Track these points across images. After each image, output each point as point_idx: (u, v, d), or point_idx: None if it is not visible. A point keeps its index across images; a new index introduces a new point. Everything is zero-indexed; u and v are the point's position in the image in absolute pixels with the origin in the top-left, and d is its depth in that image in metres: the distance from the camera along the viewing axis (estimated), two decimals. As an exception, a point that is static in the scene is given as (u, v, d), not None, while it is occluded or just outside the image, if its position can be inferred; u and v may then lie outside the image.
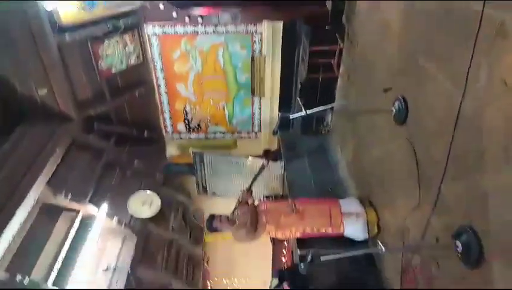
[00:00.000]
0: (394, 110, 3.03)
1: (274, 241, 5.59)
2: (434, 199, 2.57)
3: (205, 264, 5.95)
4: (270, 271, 6.09)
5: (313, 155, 5.08)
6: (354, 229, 3.52)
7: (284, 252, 5.94)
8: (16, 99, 4.32)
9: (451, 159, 2.36)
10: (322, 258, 2.34)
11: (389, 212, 3.45)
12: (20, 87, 4.23)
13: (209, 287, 6.32)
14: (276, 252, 6.12)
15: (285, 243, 5.73)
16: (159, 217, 5.08)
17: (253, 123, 5.94)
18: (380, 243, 2.19)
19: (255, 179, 3.84)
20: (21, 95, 4.30)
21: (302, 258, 2.45)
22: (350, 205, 3.69)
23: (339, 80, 4.65)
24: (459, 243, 2.22)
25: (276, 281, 3.88)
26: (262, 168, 3.79)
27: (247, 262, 6.84)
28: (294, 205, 3.58)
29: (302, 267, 2.46)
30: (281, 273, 4.06)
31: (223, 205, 5.04)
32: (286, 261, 5.82)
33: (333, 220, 3.50)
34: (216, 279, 6.97)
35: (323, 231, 3.51)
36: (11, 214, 3.33)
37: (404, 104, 2.92)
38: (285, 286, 3.15)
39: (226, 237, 6.47)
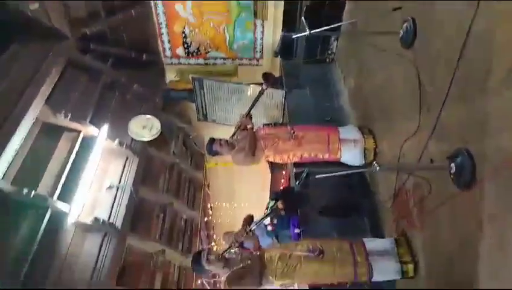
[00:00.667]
0: (402, 32, 2.91)
1: (273, 169, 5.73)
2: (433, 124, 2.57)
3: (206, 188, 6.17)
4: (268, 196, 6.35)
5: (315, 84, 4.99)
6: (351, 156, 3.57)
7: (282, 180, 6.12)
8: (7, 14, 4.13)
9: (455, 82, 2.32)
10: (317, 176, 2.40)
11: (387, 139, 3.48)
12: (10, 2, 4.01)
13: (210, 210, 6.66)
14: (274, 179, 6.32)
15: (283, 171, 5.87)
16: (160, 142, 5.14)
17: (254, 49, 5.74)
18: (375, 162, 2.22)
19: (254, 103, 3.81)
20: (12, 10, 4.10)
21: (298, 175, 2.51)
22: (349, 132, 3.71)
23: (346, 3, 4.42)
24: (453, 165, 2.27)
25: (272, 203, 4.04)
26: (262, 92, 3.72)
27: (246, 188, 7.11)
28: (293, 131, 3.60)
29: (297, 184, 2.54)
30: (276, 195, 4.21)
31: (222, 132, 5.07)
32: (284, 187, 6.03)
33: (331, 146, 3.55)
34: (216, 203, 7.31)
35: (321, 156, 3.57)
36: (12, 130, 3.36)
37: (413, 25, 2.80)
38: (280, 205, 3.26)
39: (227, 163, 6.66)
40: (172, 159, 5.29)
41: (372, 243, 3.01)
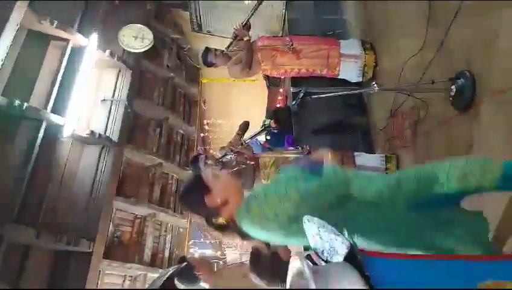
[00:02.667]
0: None
1: (269, 84, 5.62)
2: (439, 44, 2.45)
3: (202, 104, 6.12)
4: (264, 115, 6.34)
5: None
6: (350, 72, 3.48)
7: (280, 97, 6.05)
8: None
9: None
10: (313, 96, 2.36)
11: (389, 56, 3.35)
12: None
13: (206, 126, 6.69)
14: (271, 97, 6.24)
15: (280, 89, 5.77)
16: (153, 54, 4.94)
17: (254, -49, 5.19)
18: (374, 82, 2.15)
19: (252, 12, 3.58)
20: None
21: (294, 95, 2.46)
22: (350, 46, 3.55)
23: None
24: (454, 87, 2.22)
25: (267, 121, 4.05)
26: (260, 1, 3.47)
27: (242, 104, 7.06)
28: (291, 43, 3.44)
29: (293, 104, 2.51)
30: (272, 113, 4.21)
31: (218, 45, 4.85)
32: (280, 106, 5.98)
33: (330, 60, 3.43)
34: (212, 119, 7.33)
35: (319, 72, 3.47)
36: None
37: None
38: (272, 124, 3.28)
39: (222, 79, 6.51)
40: (166, 73, 5.14)
41: (362, 158, 3.10)
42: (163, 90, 5.00)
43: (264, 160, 3.09)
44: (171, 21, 5.59)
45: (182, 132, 5.23)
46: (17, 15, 3.40)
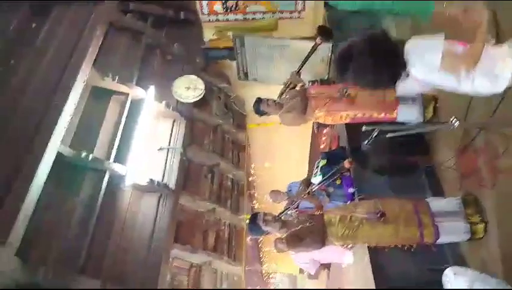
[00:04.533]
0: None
1: (318, 128, 5.59)
2: None
3: (248, 148, 6.16)
4: (308, 155, 6.26)
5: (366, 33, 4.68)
6: (409, 113, 3.36)
7: (324, 138, 5.98)
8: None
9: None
10: (389, 135, 2.27)
11: (451, 94, 3.24)
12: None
13: (252, 170, 6.68)
14: (315, 139, 6.19)
15: (324, 130, 5.72)
16: (202, 103, 5.10)
17: (296, 0, 5.40)
18: (454, 118, 2.04)
19: (306, 59, 3.63)
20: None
21: (366, 134, 2.38)
22: (406, 87, 3.47)
23: None
24: (542, 119, 2.07)
25: (323, 162, 3.95)
26: (316, 47, 3.52)
27: (287, 148, 7.04)
28: (345, 90, 3.42)
29: (366, 143, 2.43)
30: (326, 154, 4.11)
31: (264, 91, 4.94)
32: (325, 146, 5.89)
33: (387, 104, 3.34)
34: (257, 163, 7.33)
35: (376, 116, 3.38)
36: (65, 96, 3.39)
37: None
38: (347, 163, 3.16)
39: (268, 123, 6.57)
40: (215, 120, 5.26)
41: (437, 203, 2.88)
42: (213, 137, 5.10)
43: (330, 216, 2.91)
44: (218, 71, 5.81)
45: (231, 177, 5.24)
46: (83, 74, 3.67)
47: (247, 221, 3.14)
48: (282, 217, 3.03)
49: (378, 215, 2.70)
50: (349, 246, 2.97)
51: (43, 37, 3.95)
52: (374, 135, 2.29)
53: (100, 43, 4.04)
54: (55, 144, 3.12)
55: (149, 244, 3.57)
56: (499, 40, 2.33)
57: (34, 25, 4.07)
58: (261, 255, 6.66)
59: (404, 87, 3.40)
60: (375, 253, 3.17)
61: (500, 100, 2.43)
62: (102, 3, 4.29)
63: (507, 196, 2.52)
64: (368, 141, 2.36)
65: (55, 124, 3.17)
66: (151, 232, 3.64)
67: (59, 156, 3.14)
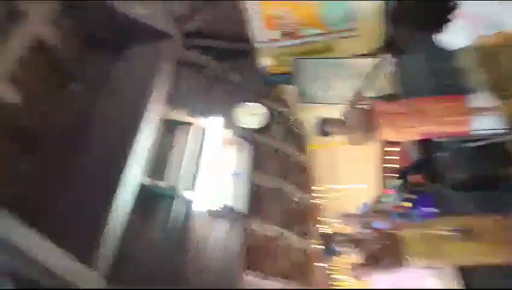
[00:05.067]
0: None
1: (386, 144, 5.40)
2: None
3: (311, 171, 6.09)
4: (381, 174, 6.00)
5: (426, 46, 4.52)
6: (484, 125, 3.13)
7: (397, 157, 5.73)
8: (117, 20, 4.41)
9: None
10: (468, 145, 2.13)
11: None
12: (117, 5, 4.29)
13: (316, 192, 6.56)
14: (384, 156, 5.95)
15: (395, 145, 5.49)
16: (264, 128, 5.18)
17: (350, 18, 5.39)
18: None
19: (372, 77, 3.57)
20: (121, 15, 4.37)
21: (439, 145, 2.25)
22: (479, 99, 3.25)
23: None
24: None
25: (399, 182, 3.78)
26: (384, 63, 3.46)
27: (350, 169, 6.84)
28: (414, 105, 3.29)
29: (447, 155, 2.29)
30: (403, 172, 3.93)
31: (323, 112, 4.91)
32: (396, 163, 5.63)
33: (460, 117, 3.14)
34: (321, 185, 7.18)
35: (447, 130, 3.19)
36: (142, 131, 3.63)
37: None
38: (412, 179, 3.01)
39: (329, 144, 6.48)
40: (277, 144, 5.30)
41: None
42: (276, 160, 5.12)
43: (409, 233, 2.75)
44: (277, 96, 5.91)
45: (297, 199, 5.18)
46: (156, 109, 3.93)
47: (320, 243, 3.07)
48: (357, 237, 2.92)
49: (461, 230, 2.50)
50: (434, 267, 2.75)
51: (118, 77, 4.29)
52: (455, 146, 2.15)
53: (169, 79, 4.32)
54: (136, 175, 3.33)
55: (222, 272, 3.60)
56: None
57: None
58: (331, 281, 6.41)
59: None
60: (466, 277, 2.91)
61: None
62: (169, 42, 4.63)
63: None
64: (447, 152, 2.22)
65: (135, 156, 3.40)
66: (223, 258, 3.68)
67: (141, 186, 3.34)
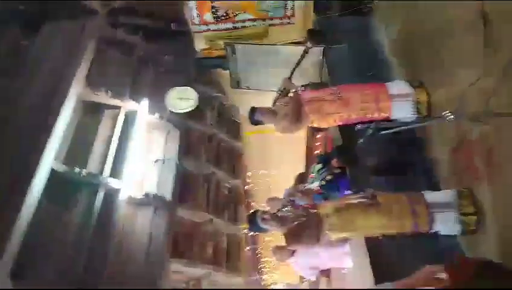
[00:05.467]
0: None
1: (313, 132, 5.58)
2: (503, 66, 2.33)
3: (244, 157, 6.14)
4: (305, 161, 6.23)
5: (353, 38, 4.70)
6: (403, 111, 3.35)
7: (318, 143, 5.97)
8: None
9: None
10: (383, 132, 2.26)
11: (443, 89, 3.23)
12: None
13: (248, 179, 6.64)
14: (310, 141, 6.17)
15: (318, 135, 5.71)
16: (196, 113, 5.08)
17: (285, 6, 5.44)
18: (448, 111, 2.03)
19: (297, 64, 3.62)
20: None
21: (361, 133, 2.37)
22: (398, 86, 3.47)
23: None
24: (534, 109, 2.06)
25: (318, 167, 3.92)
26: (307, 51, 3.52)
27: (282, 155, 7.02)
28: (339, 92, 3.42)
29: (361, 142, 2.41)
30: (321, 158, 4.09)
31: (258, 99, 4.94)
32: (320, 150, 5.87)
33: (381, 103, 3.34)
34: (253, 171, 7.30)
35: (369, 115, 3.37)
36: (57, 112, 3.38)
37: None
38: (334, 163, 3.16)
39: (263, 131, 6.57)
40: (210, 130, 5.25)
41: (433, 195, 2.87)
42: (208, 146, 5.08)
43: (325, 209, 2.92)
44: (211, 80, 5.82)
45: (228, 185, 5.21)
46: (75, 90, 3.66)
47: (247, 220, 3.15)
48: (279, 214, 3.02)
49: (370, 197, 2.71)
50: (346, 243, 2.94)
51: (34, 54, 3.94)
52: (369, 133, 2.27)
53: (92, 59, 4.05)
54: (49, 160, 3.09)
55: (146, 258, 3.52)
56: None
57: (24, 43, 4.08)
58: (261, 265, 6.60)
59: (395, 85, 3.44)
60: (375, 255, 3.14)
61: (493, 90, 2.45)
62: (93, 19, 4.32)
63: (503, 188, 2.50)
64: (363, 140, 2.34)
65: (48, 140, 3.16)
66: (148, 246, 3.60)
67: (53, 172, 3.11)
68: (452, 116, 1.93)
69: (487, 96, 2.50)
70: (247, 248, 5.00)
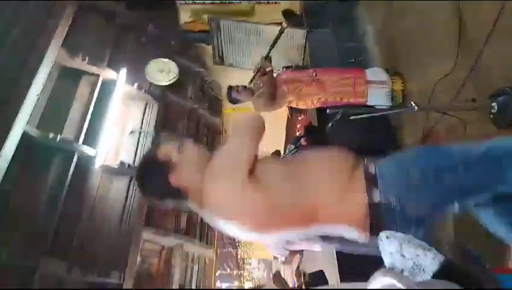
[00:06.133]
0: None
1: (292, 114, 5.64)
2: (473, 62, 2.44)
3: (224, 133, 6.16)
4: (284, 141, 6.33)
5: (337, 23, 4.74)
6: (379, 97, 3.47)
7: (298, 125, 6.05)
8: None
9: (504, 14, 2.15)
10: (352, 117, 2.34)
11: (418, 80, 3.35)
12: None
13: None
14: (290, 125, 6.25)
15: (299, 116, 5.78)
16: (177, 86, 5.05)
17: (273, -15, 5.39)
18: (412, 102, 2.13)
19: (274, 44, 3.64)
20: None
21: (331, 117, 2.44)
22: (376, 74, 3.57)
23: None
24: (495, 104, 2.18)
25: (292, 147, 4.01)
26: (282, 31, 3.55)
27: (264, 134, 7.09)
28: (315, 74, 3.48)
29: (330, 125, 2.49)
30: (296, 139, 4.18)
31: (240, 76, 4.94)
32: (300, 133, 5.97)
33: (357, 88, 3.44)
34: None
35: (346, 100, 3.47)
36: (32, 74, 3.30)
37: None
38: (303, 141, 3.27)
39: (244, 109, 6.58)
40: (190, 104, 5.23)
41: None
42: (187, 121, 5.07)
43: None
44: (195, 55, 5.75)
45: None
46: (52, 53, 3.56)
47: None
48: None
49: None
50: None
51: (9, 16, 3.79)
52: (338, 117, 2.35)
53: (70, 23, 3.92)
54: (21, 124, 3.04)
55: (119, 227, 3.57)
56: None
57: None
58: (236, 240, 6.75)
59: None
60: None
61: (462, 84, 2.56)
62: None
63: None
64: (331, 123, 2.42)
65: (21, 103, 3.09)
66: (121, 214, 3.63)
67: (25, 136, 3.07)
68: (416, 107, 2.02)
69: (456, 90, 2.62)
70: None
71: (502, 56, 2.22)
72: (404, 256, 0.83)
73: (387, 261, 0.90)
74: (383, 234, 0.90)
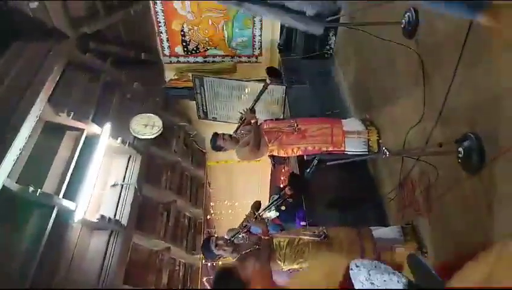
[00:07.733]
0: (404, 22, 2.95)
1: (274, 164, 5.74)
2: (439, 110, 2.60)
3: (207, 187, 6.17)
4: (269, 192, 6.36)
5: (314, 78, 5.04)
6: (356, 146, 3.60)
7: (282, 177, 6.14)
8: (7, 13, 4.12)
9: (462, 65, 2.34)
10: (328, 163, 2.43)
11: (391, 130, 3.51)
12: (10, 1, 4.02)
13: (211, 209, 6.64)
14: (274, 175, 6.33)
15: (283, 168, 5.89)
16: (161, 140, 5.15)
17: (253, 46, 5.76)
18: (384, 148, 2.24)
19: (258, 97, 3.83)
20: (12, 9, 4.10)
21: (308, 163, 2.53)
22: (352, 124, 3.74)
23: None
24: (461, 149, 2.29)
25: (276, 197, 4.05)
26: (266, 86, 3.75)
27: (246, 186, 7.12)
28: (296, 124, 3.63)
29: (308, 172, 2.57)
30: (280, 189, 4.23)
31: (223, 130, 5.07)
32: (284, 183, 6.04)
33: (335, 138, 3.57)
34: (217, 201, 7.31)
35: (325, 149, 3.59)
36: (16, 130, 3.33)
37: (415, 14, 2.84)
38: (287, 191, 3.29)
39: (227, 161, 6.67)
40: (174, 158, 5.29)
41: (379, 231, 3.05)
42: (170, 174, 5.10)
43: (279, 240, 3.02)
44: (179, 110, 5.93)
45: (189, 214, 5.19)
46: (37, 110, 3.64)
47: (201, 245, 3.16)
48: (234, 241, 3.05)
49: (322, 236, 2.82)
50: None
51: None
52: (314, 163, 2.43)
53: (57, 80, 4.06)
54: (1, 178, 3.02)
55: (97, 282, 3.42)
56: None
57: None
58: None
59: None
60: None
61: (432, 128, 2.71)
62: (63, 41, 4.38)
63: (441, 224, 2.71)
64: (310, 170, 2.50)
65: (3, 157, 3.09)
66: (100, 269, 3.50)
67: (5, 189, 3.03)
68: (388, 153, 2.13)
69: (425, 137, 2.77)
70: (204, 278, 4.93)
71: (465, 102, 2.37)
72: (373, 283, 0.87)
73: (358, 288, 0.93)
74: (353, 264, 0.94)
